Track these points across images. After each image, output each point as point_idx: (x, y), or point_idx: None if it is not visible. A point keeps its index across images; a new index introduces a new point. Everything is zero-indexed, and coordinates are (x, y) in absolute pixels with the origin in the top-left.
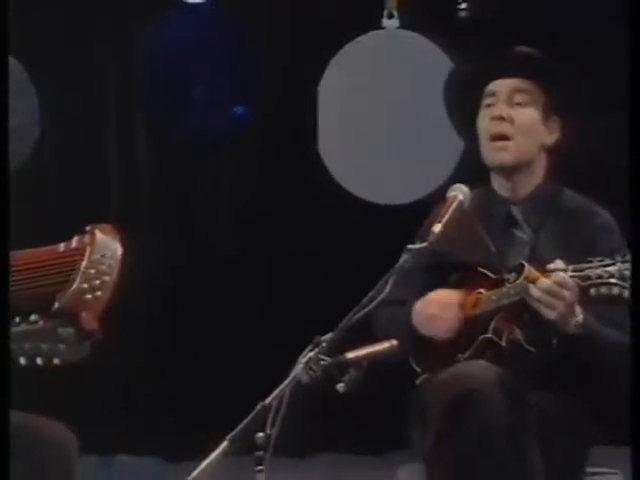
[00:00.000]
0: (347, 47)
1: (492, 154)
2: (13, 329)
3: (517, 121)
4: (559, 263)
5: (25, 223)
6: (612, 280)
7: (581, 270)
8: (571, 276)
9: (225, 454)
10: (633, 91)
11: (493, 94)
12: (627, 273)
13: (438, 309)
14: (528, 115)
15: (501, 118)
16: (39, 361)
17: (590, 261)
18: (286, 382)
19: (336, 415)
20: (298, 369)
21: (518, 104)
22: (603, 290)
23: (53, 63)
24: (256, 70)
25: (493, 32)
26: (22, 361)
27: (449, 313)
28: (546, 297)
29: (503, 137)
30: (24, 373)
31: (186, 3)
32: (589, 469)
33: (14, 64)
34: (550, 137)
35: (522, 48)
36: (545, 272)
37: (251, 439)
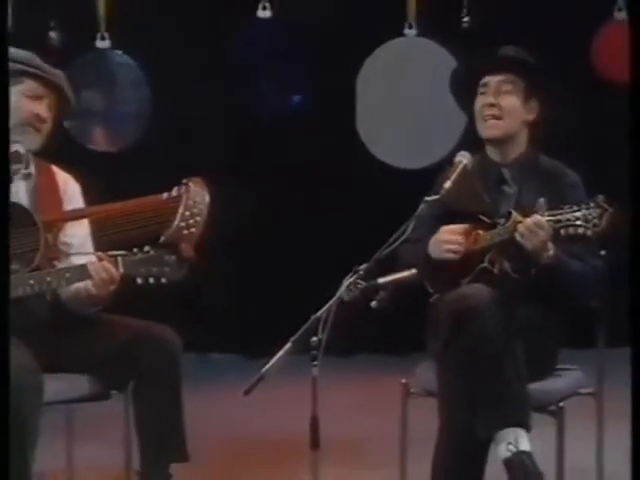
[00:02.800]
0: (378, 50)
1: (486, 131)
2: (131, 257)
3: (504, 106)
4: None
5: (139, 180)
6: (578, 222)
7: (554, 215)
8: (546, 220)
9: (289, 353)
10: (634, 87)
11: (486, 85)
12: (590, 217)
13: (448, 236)
14: (512, 101)
15: (491, 105)
16: (151, 280)
17: (561, 208)
18: (333, 300)
19: (370, 326)
20: (342, 290)
21: (505, 92)
22: (571, 230)
23: (161, 60)
24: (310, 67)
25: (487, 38)
26: (139, 281)
27: (456, 240)
28: (527, 232)
29: (494, 118)
30: (140, 291)
31: (259, 17)
32: (558, 366)
33: (128, 61)
34: (530, 115)
35: (507, 50)
36: (527, 215)
37: (307, 342)
